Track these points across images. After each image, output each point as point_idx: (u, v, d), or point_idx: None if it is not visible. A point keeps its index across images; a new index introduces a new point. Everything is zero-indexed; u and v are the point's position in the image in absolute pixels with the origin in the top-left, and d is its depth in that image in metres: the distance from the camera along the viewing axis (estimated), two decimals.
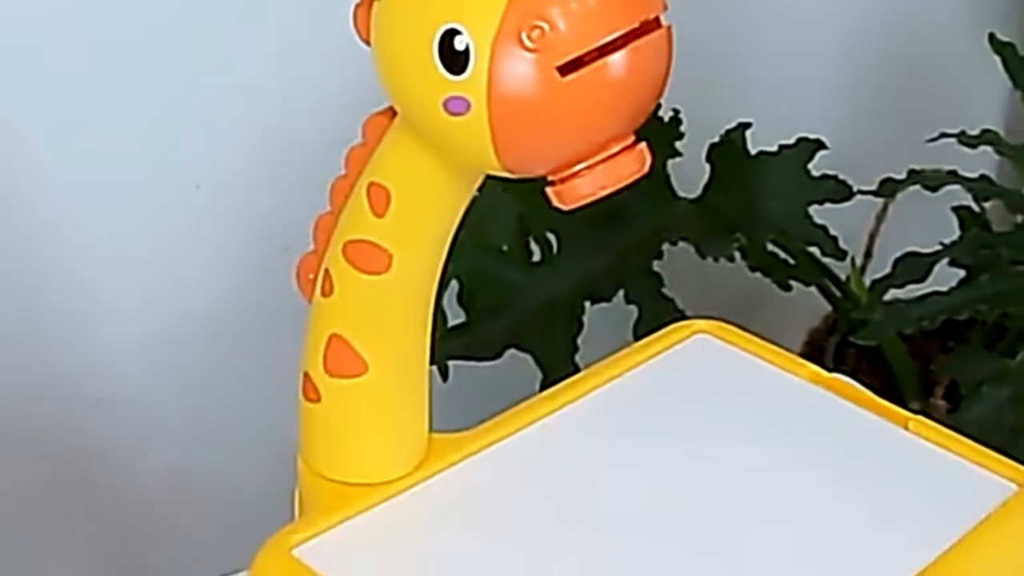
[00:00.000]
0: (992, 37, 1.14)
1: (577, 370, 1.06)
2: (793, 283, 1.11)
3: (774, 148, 1.08)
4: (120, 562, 1.15)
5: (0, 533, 1.09)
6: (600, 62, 0.46)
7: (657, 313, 1.05)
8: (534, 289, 1.05)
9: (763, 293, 1.24)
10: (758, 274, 1.10)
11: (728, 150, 1.07)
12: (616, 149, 0.48)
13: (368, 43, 0.50)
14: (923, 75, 1.36)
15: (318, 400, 0.59)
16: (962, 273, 1.13)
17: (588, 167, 0.48)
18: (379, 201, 0.54)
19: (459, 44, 0.46)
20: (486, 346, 1.04)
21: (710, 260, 1.05)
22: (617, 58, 0.46)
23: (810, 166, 1.07)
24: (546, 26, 0.45)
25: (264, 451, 1.13)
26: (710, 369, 0.68)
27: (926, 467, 0.63)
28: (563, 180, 0.48)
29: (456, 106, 0.47)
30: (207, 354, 1.10)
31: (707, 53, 1.16)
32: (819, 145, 1.07)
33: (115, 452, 1.10)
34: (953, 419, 1.03)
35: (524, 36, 0.45)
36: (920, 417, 0.65)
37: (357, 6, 0.50)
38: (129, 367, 1.08)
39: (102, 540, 1.13)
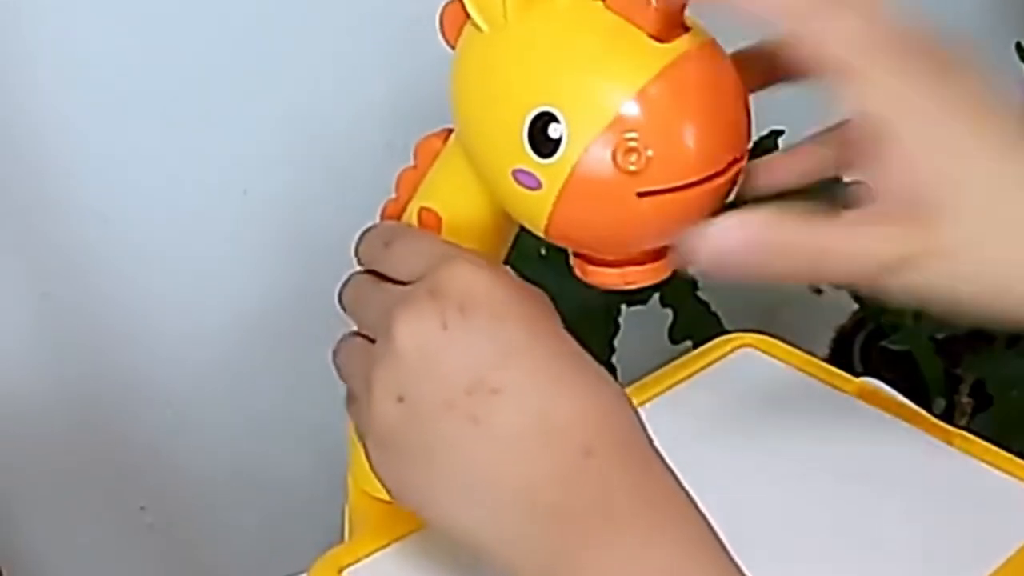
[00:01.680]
0: (1019, 46, 1.10)
1: (614, 372, 1.04)
2: (824, 286, 1.08)
3: None
4: (174, 551, 1.13)
5: (61, 525, 1.07)
6: (681, 195, 0.43)
7: (692, 316, 1.01)
8: (571, 293, 1.01)
9: (791, 292, 1.21)
10: None
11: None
12: (653, 257, 0.47)
13: (452, 46, 0.47)
14: None
15: None
16: None
17: (620, 264, 0.47)
18: (430, 226, 0.51)
19: (553, 132, 0.43)
20: None
21: None
22: (696, 194, 0.44)
23: None
24: (648, 152, 0.42)
25: (310, 446, 1.11)
26: (755, 384, 0.65)
27: (972, 484, 0.60)
28: (593, 263, 0.47)
29: (527, 180, 0.44)
30: (255, 353, 1.08)
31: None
32: None
33: (169, 447, 1.08)
34: (982, 419, 1.00)
35: (620, 155, 0.42)
36: (965, 433, 0.62)
37: (447, 6, 0.47)
38: (181, 365, 1.05)
39: (158, 531, 1.11)
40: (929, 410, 0.95)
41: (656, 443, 0.58)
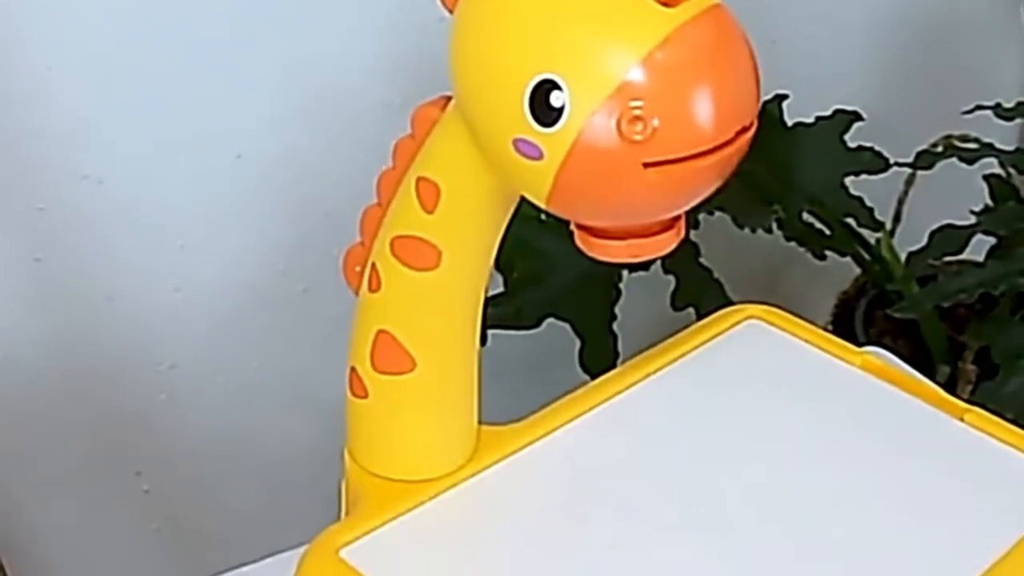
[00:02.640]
0: None
1: (615, 339, 1.02)
2: (827, 252, 1.06)
3: (810, 120, 1.02)
4: (170, 517, 1.12)
5: (56, 491, 1.06)
6: (687, 166, 0.41)
7: (694, 283, 1.00)
8: (573, 259, 0.99)
9: (792, 258, 1.19)
10: (791, 243, 1.05)
11: (765, 122, 1.00)
12: (659, 228, 0.45)
13: (451, 11, 0.45)
14: (954, 46, 1.30)
15: (365, 396, 0.54)
16: (990, 239, 1.08)
17: (625, 236, 0.45)
18: (428, 196, 0.49)
19: (555, 100, 0.41)
20: (525, 315, 0.99)
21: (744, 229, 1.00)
22: (704, 165, 0.42)
23: (845, 137, 1.02)
24: (654, 121, 0.40)
25: (305, 411, 1.10)
26: (762, 356, 0.63)
27: (983, 460, 0.58)
28: (598, 236, 0.45)
29: (528, 150, 0.42)
30: (249, 318, 1.06)
31: (741, 22, 1.10)
32: (855, 116, 1.02)
33: (164, 412, 1.07)
34: (988, 388, 0.98)
35: (625, 124, 0.40)
36: (977, 409, 0.60)
37: None
38: (174, 330, 1.04)
39: (154, 497, 1.10)
40: (933, 378, 0.93)
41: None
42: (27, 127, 0.91)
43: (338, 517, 0.58)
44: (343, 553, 0.52)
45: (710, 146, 0.42)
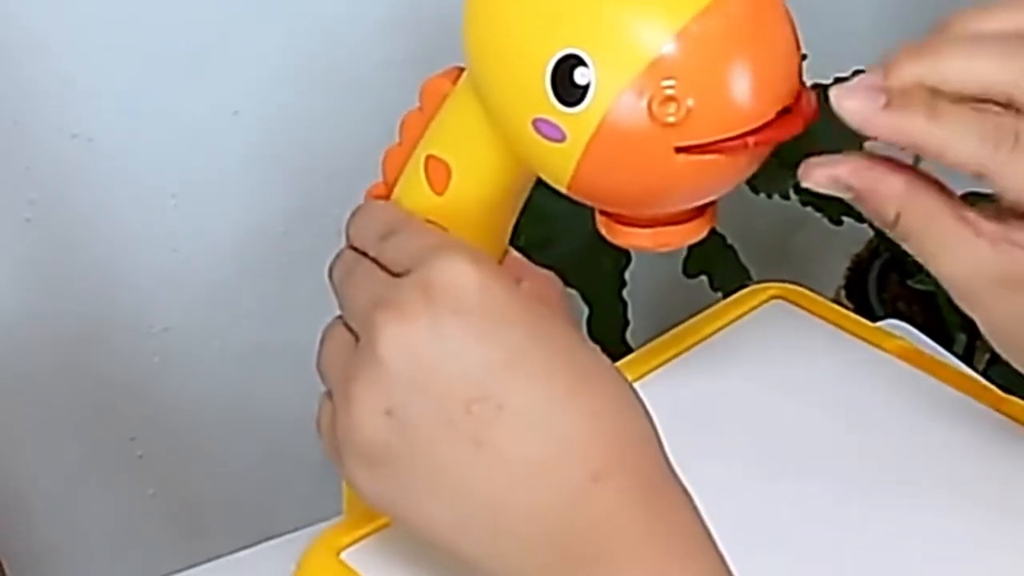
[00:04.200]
0: None
1: (625, 306, 0.99)
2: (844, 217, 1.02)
3: (829, 81, 0.98)
4: (165, 481, 1.10)
5: (50, 455, 1.04)
6: (727, 154, 0.38)
7: (707, 248, 0.96)
8: (581, 223, 0.95)
9: (805, 221, 1.16)
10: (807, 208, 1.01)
11: None
12: (689, 215, 0.41)
13: None
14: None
15: None
16: None
17: (652, 223, 0.41)
18: (438, 177, 0.45)
19: (580, 78, 0.37)
20: None
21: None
22: (742, 152, 0.38)
23: None
24: (688, 102, 0.37)
25: (300, 375, 1.07)
26: (788, 339, 0.60)
27: (1019, 449, 0.55)
28: (622, 222, 0.42)
29: (549, 131, 0.38)
30: (244, 280, 1.04)
31: None
32: None
33: (158, 376, 1.05)
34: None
35: (656, 105, 0.37)
36: (1014, 399, 0.57)
37: None
38: (169, 292, 1.02)
39: (148, 461, 1.08)
40: (950, 347, 0.90)
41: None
42: (17, 85, 0.87)
43: (339, 502, 0.56)
44: (344, 556, 0.50)
45: (747, 128, 0.38)
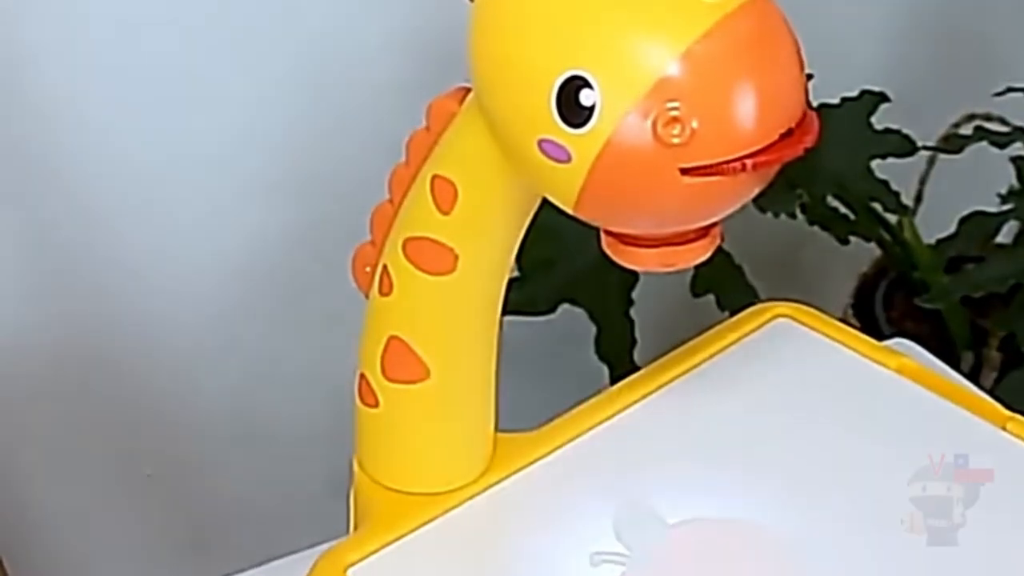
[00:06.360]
0: None
1: (632, 325, 0.99)
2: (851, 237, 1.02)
3: (836, 100, 0.98)
4: (173, 501, 1.10)
5: (58, 474, 1.04)
6: (728, 176, 0.38)
7: (714, 267, 0.95)
8: (588, 242, 0.96)
9: (811, 239, 1.16)
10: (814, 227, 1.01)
11: None
12: (695, 236, 0.42)
13: None
14: (983, 22, 1.26)
15: (376, 405, 0.51)
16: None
17: (658, 244, 0.42)
18: (444, 196, 0.45)
19: (585, 99, 0.37)
20: (539, 300, 0.96)
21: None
22: (747, 173, 0.38)
23: (871, 119, 0.98)
24: (693, 123, 0.37)
25: (310, 393, 1.08)
26: (793, 359, 0.60)
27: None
28: (628, 242, 0.42)
29: (554, 152, 0.39)
30: (252, 299, 1.04)
31: None
32: (882, 98, 0.98)
33: (167, 395, 1.04)
34: (1016, 378, 0.95)
35: (661, 126, 0.37)
36: (1020, 418, 0.56)
37: None
38: (177, 311, 1.02)
39: (156, 482, 1.08)
40: (957, 365, 0.90)
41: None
42: (18, 108, 0.87)
43: (346, 520, 0.56)
44: (351, 572, 0.49)
45: (752, 150, 0.38)
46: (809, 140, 0.40)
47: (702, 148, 0.38)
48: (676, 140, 0.37)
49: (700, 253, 0.43)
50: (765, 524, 0.51)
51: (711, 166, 0.38)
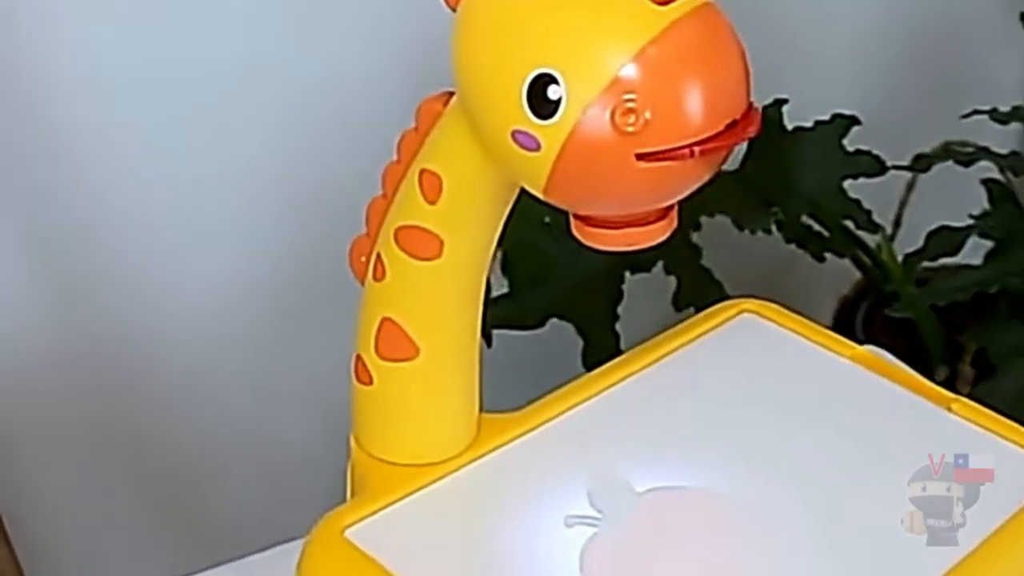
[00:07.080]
0: (1023, 16, 1.10)
1: (618, 339, 1.04)
2: (826, 254, 1.07)
3: (809, 124, 1.04)
4: (171, 506, 1.14)
5: (58, 480, 1.07)
6: (679, 160, 0.43)
7: (695, 283, 1.01)
8: (576, 260, 1.01)
9: (793, 260, 1.20)
10: (792, 246, 1.06)
11: (765, 126, 1.02)
12: (654, 217, 0.47)
13: (453, 8, 0.46)
14: (952, 50, 1.31)
15: (370, 383, 0.56)
16: (988, 243, 1.09)
17: (621, 225, 0.47)
18: (431, 188, 0.51)
19: (552, 94, 0.43)
20: (529, 315, 1.01)
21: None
22: (695, 159, 0.44)
23: (844, 141, 1.03)
24: (646, 114, 0.42)
25: (309, 405, 1.11)
26: (755, 349, 0.65)
27: (969, 449, 0.59)
28: (594, 225, 0.47)
29: (526, 141, 0.44)
30: (253, 312, 1.07)
31: (742, 29, 1.11)
32: (853, 121, 1.03)
33: (166, 403, 1.08)
34: (985, 388, 0.99)
35: (618, 116, 0.42)
36: (963, 399, 0.61)
37: None
38: (179, 324, 1.05)
39: (155, 483, 1.11)
40: (931, 377, 0.94)
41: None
42: (27, 129, 0.92)
43: (343, 502, 0.60)
44: (348, 533, 0.53)
45: (699, 138, 0.43)
46: (752, 131, 0.45)
47: (655, 136, 0.43)
48: (631, 129, 0.42)
49: (659, 234, 0.47)
50: (724, 493, 0.56)
51: (663, 152, 0.43)
